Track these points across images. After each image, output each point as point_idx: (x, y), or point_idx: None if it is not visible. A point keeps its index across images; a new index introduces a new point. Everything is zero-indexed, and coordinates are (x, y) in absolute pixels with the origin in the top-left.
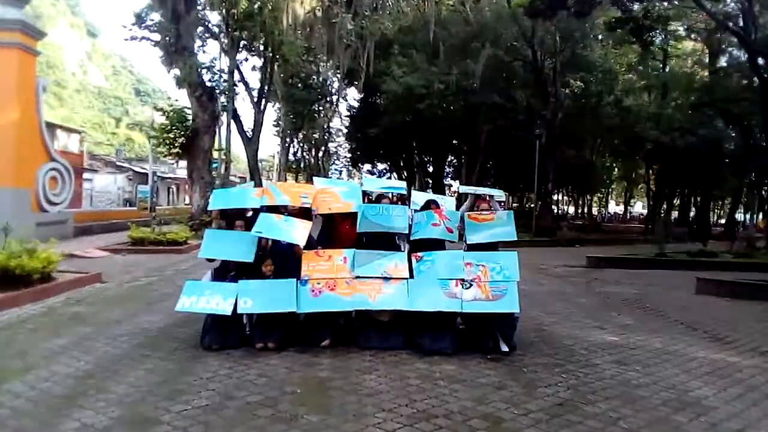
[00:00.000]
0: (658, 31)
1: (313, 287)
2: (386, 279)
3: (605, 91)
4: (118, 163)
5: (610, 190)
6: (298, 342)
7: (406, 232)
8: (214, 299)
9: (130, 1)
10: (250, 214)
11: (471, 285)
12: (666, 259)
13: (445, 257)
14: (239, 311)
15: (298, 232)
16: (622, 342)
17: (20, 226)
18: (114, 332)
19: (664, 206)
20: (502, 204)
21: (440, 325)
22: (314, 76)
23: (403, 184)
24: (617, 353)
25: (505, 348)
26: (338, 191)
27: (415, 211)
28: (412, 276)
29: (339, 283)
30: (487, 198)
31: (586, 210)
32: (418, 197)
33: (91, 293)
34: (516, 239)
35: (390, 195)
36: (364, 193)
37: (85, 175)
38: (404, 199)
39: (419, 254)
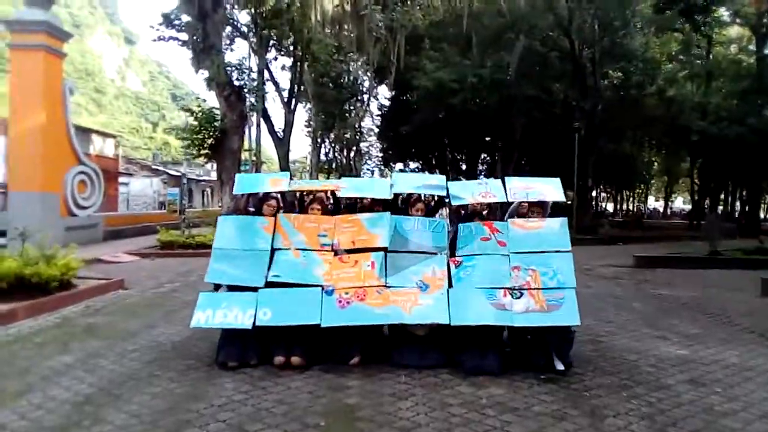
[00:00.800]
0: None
1: (341, 297)
2: (423, 288)
3: (647, 81)
4: (154, 167)
5: (650, 185)
6: (324, 358)
7: (446, 252)
8: (232, 312)
9: (165, 7)
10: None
11: (522, 294)
12: (720, 258)
13: (488, 261)
14: (257, 323)
15: (319, 269)
16: (692, 356)
17: (49, 230)
18: (126, 347)
19: (707, 201)
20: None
21: (485, 340)
22: (345, 75)
23: (442, 179)
24: (690, 370)
25: (560, 366)
26: (363, 220)
27: (458, 215)
28: (450, 284)
29: (369, 292)
30: (533, 204)
31: (625, 206)
32: (459, 189)
33: (111, 301)
34: (570, 250)
35: (425, 198)
36: (396, 195)
37: (122, 179)
38: (443, 203)
39: (458, 258)
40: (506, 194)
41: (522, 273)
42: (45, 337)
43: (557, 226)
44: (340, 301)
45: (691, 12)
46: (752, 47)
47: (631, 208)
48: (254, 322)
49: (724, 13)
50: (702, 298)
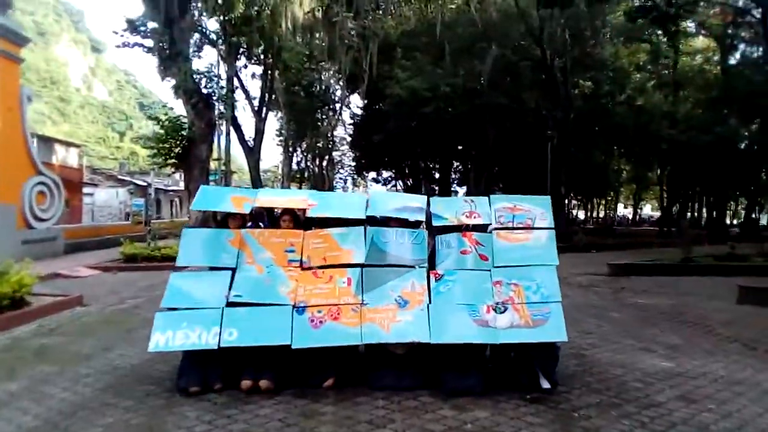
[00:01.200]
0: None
1: (313, 316)
2: (402, 304)
3: (617, 90)
4: (120, 177)
5: (619, 192)
6: (295, 381)
7: (425, 265)
8: (195, 332)
9: (132, 14)
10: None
11: (506, 308)
12: (693, 265)
13: (469, 276)
14: (221, 344)
15: (284, 287)
16: (678, 369)
17: (4, 244)
18: (79, 372)
19: (675, 207)
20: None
21: (466, 358)
22: (316, 84)
23: (422, 201)
24: (679, 385)
25: (546, 385)
26: (335, 235)
27: (437, 228)
28: (429, 299)
29: (344, 310)
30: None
31: (595, 214)
32: (443, 208)
33: (68, 320)
34: (557, 264)
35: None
36: (370, 218)
37: (86, 190)
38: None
39: (439, 271)
40: (492, 215)
41: (504, 288)
42: None
43: (544, 238)
44: (312, 321)
45: (664, 20)
46: (716, 58)
47: (601, 215)
48: (219, 342)
49: (689, 24)
50: (680, 306)
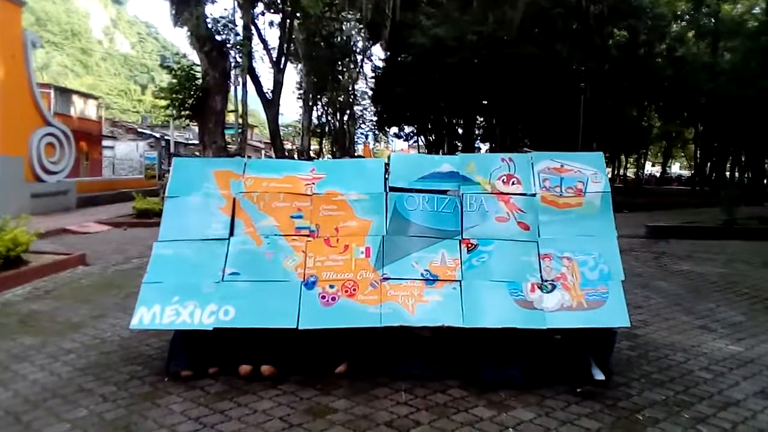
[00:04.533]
0: None
1: (324, 292)
2: (430, 281)
3: (656, 39)
4: (140, 130)
5: (647, 150)
6: (302, 366)
7: (459, 236)
8: (187, 308)
9: None
10: None
11: (554, 287)
12: (736, 228)
13: (509, 247)
14: (216, 325)
15: (290, 260)
16: (748, 354)
17: (12, 198)
18: (62, 346)
19: (708, 167)
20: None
21: (505, 344)
22: (337, 34)
23: (455, 162)
24: (754, 376)
25: (600, 376)
26: (350, 201)
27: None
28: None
29: (361, 285)
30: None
31: (621, 171)
32: (475, 168)
33: (66, 281)
34: (617, 235)
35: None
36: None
37: (107, 143)
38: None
39: (473, 240)
40: (534, 179)
41: (555, 263)
42: None
43: (599, 202)
44: (323, 297)
45: None
46: (758, 9)
47: (629, 174)
48: (214, 322)
49: None
50: (731, 275)
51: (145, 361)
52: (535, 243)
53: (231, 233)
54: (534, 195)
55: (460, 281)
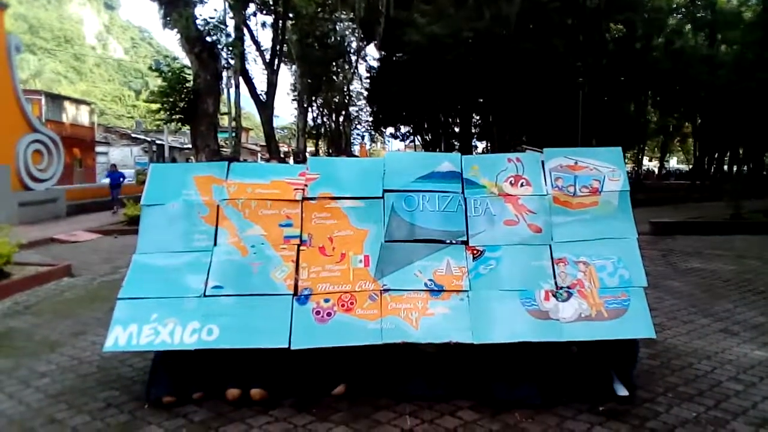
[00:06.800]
0: None
1: (318, 307)
2: (435, 291)
3: (654, 32)
4: (134, 136)
5: (645, 145)
6: (296, 389)
7: (464, 237)
8: (167, 326)
9: None
10: None
11: (570, 294)
12: (743, 222)
13: (519, 252)
14: (198, 345)
15: (279, 271)
16: None
17: None
18: (36, 368)
19: (706, 161)
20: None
21: (519, 359)
22: (331, 34)
23: (454, 160)
24: None
25: (623, 392)
26: (346, 208)
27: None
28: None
29: (359, 298)
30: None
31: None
32: (479, 170)
33: (48, 295)
34: (636, 237)
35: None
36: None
37: (100, 149)
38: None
39: (479, 247)
40: (545, 179)
41: (570, 268)
42: None
43: (616, 202)
44: (318, 312)
45: None
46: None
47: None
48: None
49: None
50: (744, 273)
51: (125, 385)
52: (547, 246)
53: (215, 243)
54: (545, 195)
55: (467, 291)
